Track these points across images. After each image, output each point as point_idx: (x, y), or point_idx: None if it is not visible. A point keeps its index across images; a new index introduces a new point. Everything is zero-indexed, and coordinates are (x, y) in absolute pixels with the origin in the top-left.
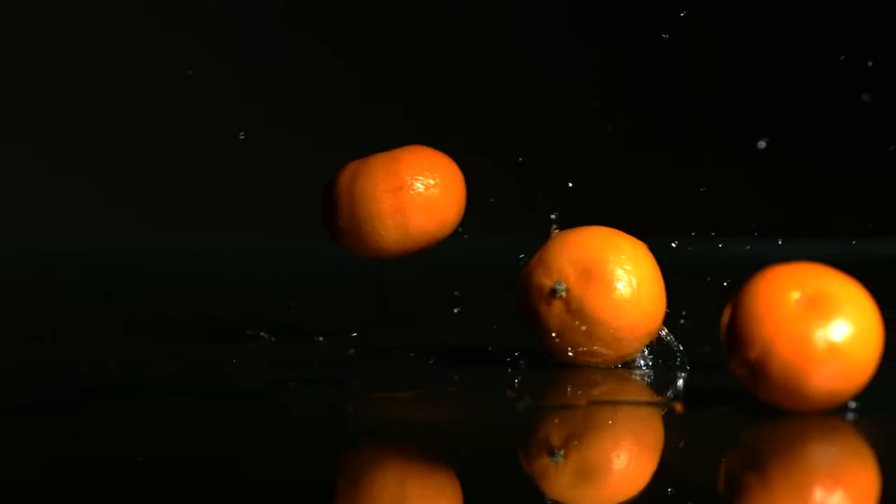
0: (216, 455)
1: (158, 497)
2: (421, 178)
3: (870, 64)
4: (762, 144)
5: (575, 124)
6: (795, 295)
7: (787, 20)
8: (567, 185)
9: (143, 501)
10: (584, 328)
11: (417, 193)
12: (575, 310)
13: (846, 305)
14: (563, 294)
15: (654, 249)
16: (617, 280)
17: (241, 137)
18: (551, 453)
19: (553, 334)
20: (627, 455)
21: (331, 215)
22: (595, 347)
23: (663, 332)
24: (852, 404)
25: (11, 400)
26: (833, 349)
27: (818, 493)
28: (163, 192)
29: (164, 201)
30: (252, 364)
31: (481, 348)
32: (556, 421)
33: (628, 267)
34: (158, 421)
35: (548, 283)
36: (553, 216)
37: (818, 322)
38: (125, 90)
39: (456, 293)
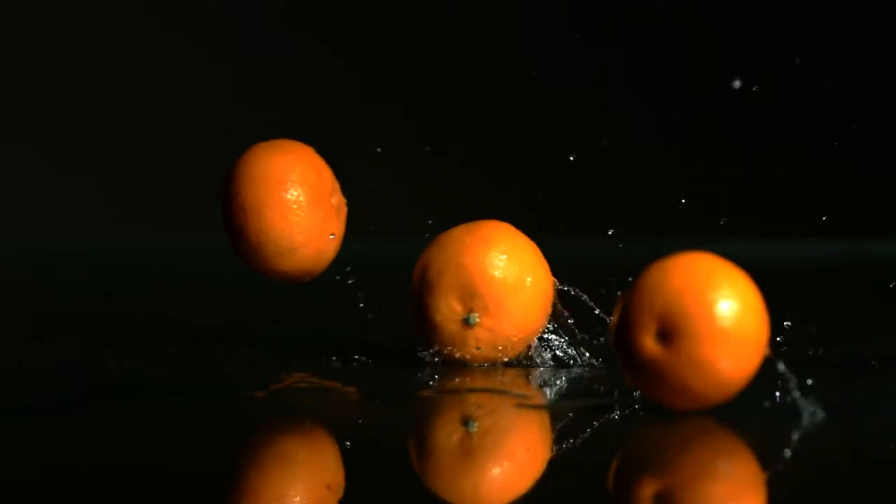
0: (216, 455)
1: (158, 497)
2: (284, 192)
3: (797, 60)
4: (605, 142)
5: (575, 124)
6: (651, 336)
7: (788, 20)
8: (554, 186)
9: (143, 502)
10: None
11: (288, 204)
12: (493, 311)
13: (702, 310)
14: (477, 319)
15: (653, 249)
16: (495, 267)
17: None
18: (466, 424)
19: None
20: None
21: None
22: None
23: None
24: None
25: (11, 400)
26: (723, 336)
27: (709, 495)
28: (163, 192)
29: (165, 201)
30: (252, 364)
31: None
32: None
33: (503, 256)
34: (158, 421)
35: (456, 315)
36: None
37: (688, 349)
38: (125, 90)
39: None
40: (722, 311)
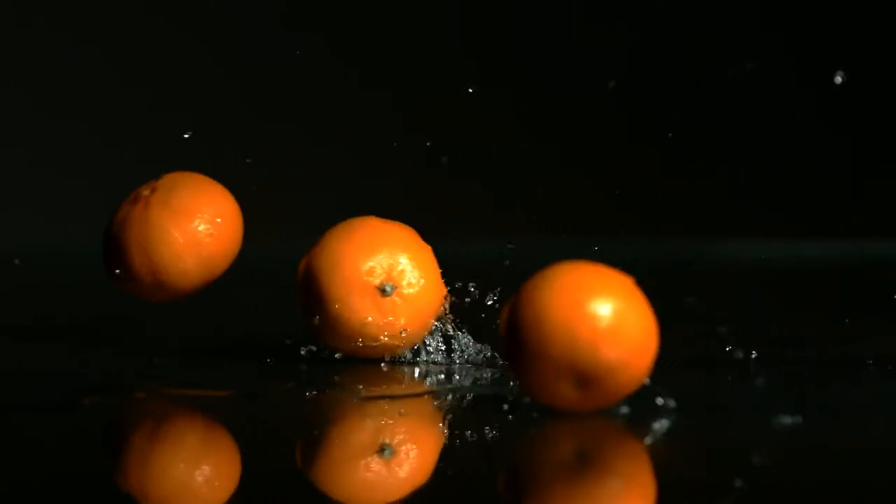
0: (216, 455)
1: (159, 497)
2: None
3: (730, 72)
4: (444, 160)
5: (574, 124)
6: (571, 386)
7: (787, 21)
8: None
9: (144, 502)
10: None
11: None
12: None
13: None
14: (392, 286)
15: (652, 249)
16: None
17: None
18: (380, 450)
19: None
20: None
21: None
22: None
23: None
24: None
25: (11, 400)
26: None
27: (593, 496)
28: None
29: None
30: (254, 365)
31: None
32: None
33: (406, 263)
34: (159, 421)
35: (358, 315)
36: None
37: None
38: (125, 90)
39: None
40: (601, 314)
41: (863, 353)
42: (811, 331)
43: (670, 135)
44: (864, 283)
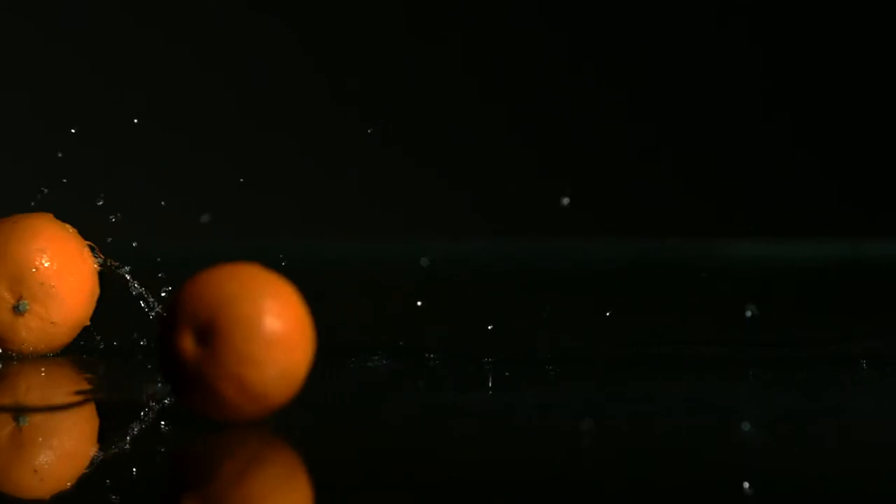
0: (215, 456)
1: (159, 498)
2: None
3: (565, 201)
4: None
5: (574, 124)
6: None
7: (784, 21)
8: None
9: (144, 502)
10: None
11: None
12: (40, 298)
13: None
14: (27, 306)
15: (652, 249)
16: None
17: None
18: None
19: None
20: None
21: None
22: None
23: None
24: None
25: (15, 400)
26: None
27: None
28: (162, 193)
29: (164, 202)
30: None
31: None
32: None
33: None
34: (159, 421)
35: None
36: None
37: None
38: (124, 90)
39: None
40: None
41: (861, 353)
42: (810, 331)
43: (663, 138)
44: (863, 283)
